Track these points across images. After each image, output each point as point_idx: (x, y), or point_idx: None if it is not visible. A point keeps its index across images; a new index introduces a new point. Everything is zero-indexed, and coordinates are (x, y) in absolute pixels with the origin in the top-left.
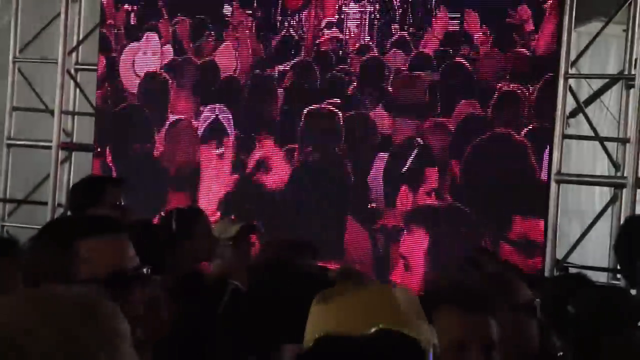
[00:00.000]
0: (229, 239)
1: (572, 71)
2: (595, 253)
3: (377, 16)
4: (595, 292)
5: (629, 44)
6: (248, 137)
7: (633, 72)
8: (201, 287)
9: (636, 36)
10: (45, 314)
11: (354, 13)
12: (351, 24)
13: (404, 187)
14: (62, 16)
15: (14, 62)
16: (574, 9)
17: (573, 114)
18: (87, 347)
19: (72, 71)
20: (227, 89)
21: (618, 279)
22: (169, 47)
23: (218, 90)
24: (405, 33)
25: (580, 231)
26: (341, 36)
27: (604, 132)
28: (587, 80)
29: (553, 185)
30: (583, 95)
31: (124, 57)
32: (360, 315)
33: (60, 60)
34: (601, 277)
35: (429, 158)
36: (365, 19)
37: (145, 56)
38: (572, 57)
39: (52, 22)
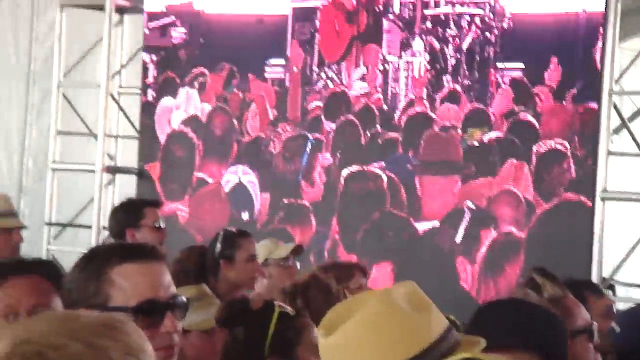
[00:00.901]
0: (277, 260)
1: (616, 88)
2: None
3: (427, 67)
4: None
5: None
6: (276, 204)
7: None
8: (247, 312)
9: None
10: (72, 330)
11: (399, 64)
12: (396, 76)
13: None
14: (105, 40)
15: (58, 87)
16: (617, 26)
17: (617, 131)
18: (113, 357)
19: (115, 95)
20: (252, 149)
21: None
22: (198, 104)
23: (244, 150)
24: (458, 86)
25: (626, 249)
26: (387, 90)
27: None
28: (630, 96)
29: (599, 203)
30: (627, 112)
31: (158, 112)
32: None
33: (103, 85)
34: None
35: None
36: (412, 70)
37: (178, 111)
38: (616, 74)
39: (95, 46)
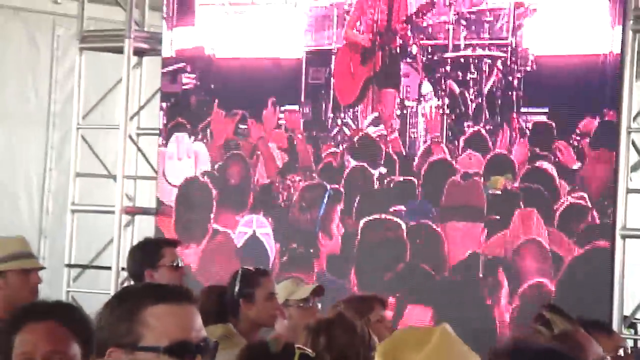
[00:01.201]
0: (298, 301)
1: (634, 125)
2: None
3: (447, 112)
4: None
5: None
6: (291, 257)
7: None
8: (267, 355)
9: None
10: None
11: (417, 108)
12: (414, 121)
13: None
14: (124, 83)
15: (77, 129)
16: (635, 63)
17: (635, 168)
18: None
19: (134, 136)
20: (266, 197)
21: None
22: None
23: (259, 199)
24: (480, 130)
25: None
26: (405, 135)
27: None
28: None
29: (619, 241)
30: None
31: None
32: None
33: (122, 126)
34: None
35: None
36: (431, 114)
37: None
38: (634, 111)
39: (114, 88)
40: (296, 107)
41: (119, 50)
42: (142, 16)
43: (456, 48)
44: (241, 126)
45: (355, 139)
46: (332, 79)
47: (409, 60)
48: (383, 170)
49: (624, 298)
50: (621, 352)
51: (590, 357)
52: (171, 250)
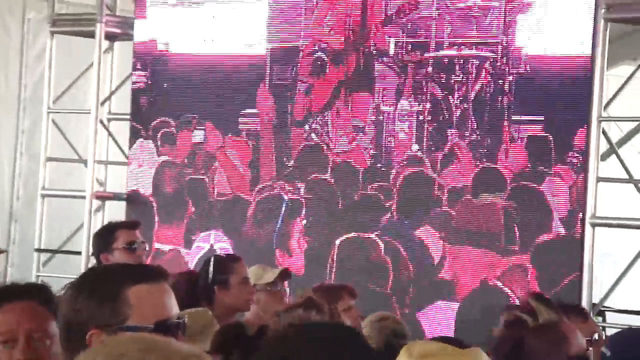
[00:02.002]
0: (265, 285)
1: (604, 114)
2: (630, 296)
3: (428, 118)
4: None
5: None
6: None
7: None
8: (242, 337)
9: None
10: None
11: (395, 114)
12: (391, 128)
13: None
14: (95, 67)
15: (47, 113)
16: (606, 54)
17: (605, 157)
18: None
19: (105, 121)
20: (228, 211)
21: None
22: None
23: (215, 213)
24: (465, 140)
25: (613, 275)
26: (380, 145)
27: (637, 175)
28: (617, 122)
29: (588, 229)
30: (614, 138)
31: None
32: None
33: (93, 111)
34: (638, 322)
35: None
36: (411, 121)
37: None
38: (604, 100)
39: (85, 73)
40: (257, 111)
41: (91, 35)
42: (114, 0)
43: (439, 47)
44: (197, 132)
45: (325, 147)
46: (299, 79)
47: (385, 60)
48: (354, 182)
49: (593, 286)
50: (595, 336)
51: (573, 349)
52: (126, 232)
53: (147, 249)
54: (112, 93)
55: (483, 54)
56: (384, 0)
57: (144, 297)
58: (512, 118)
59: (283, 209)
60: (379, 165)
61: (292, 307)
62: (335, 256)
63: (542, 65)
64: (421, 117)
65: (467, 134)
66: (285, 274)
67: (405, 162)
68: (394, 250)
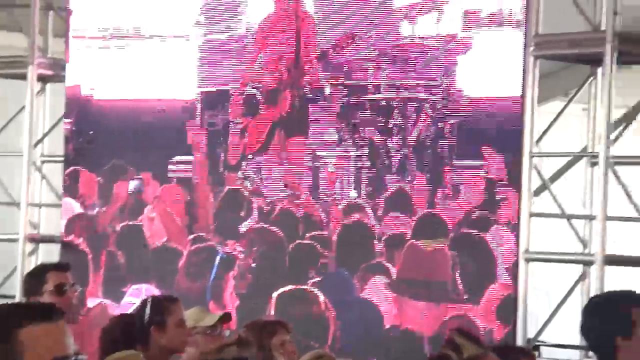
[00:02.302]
0: (205, 328)
1: (535, 150)
2: (565, 331)
3: (367, 164)
4: None
5: (590, 121)
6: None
7: (596, 150)
8: None
9: (597, 114)
10: None
11: (332, 160)
12: (327, 175)
13: None
14: (27, 109)
15: None
16: (536, 89)
17: (538, 192)
18: None
19: (39, 163)
20: (160, 262)
21: (590, 357)
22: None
23: (148, 264)
24: (406, 186)
25: (548, 309)
26: (316, 192)
27: (569, 210)
28: (550, 158)
29: (522, 264)
30: (547, 173)
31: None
32: None
33: (26, 153)
34: (573, 356)
35: None
36: (349, 167)
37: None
38: (535, 136)
39: (18, 115)
40: (189, 158)
41: (23, 77)
42: (46, 42)
43: (377, 89)
44: (124, 182)
45: (259, 194)
46: (230, 124)
47: (321, 103)
48: (290, 231)
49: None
50: None
51: None
52: (56, 275)
53: (78, 291)
54: (44, 135)
55: (423, 96)
56: (319, 37)
57: (38, 337)
58: (454, 163)
59: (217, 260)
60: (316, 213)
61: (222, 346)
62: (273, 310)
63: (483, 108)
64: (359, 163)
65: (407, 179)
66: (226, 318)
67: (343, 210)
68: (335, 303)
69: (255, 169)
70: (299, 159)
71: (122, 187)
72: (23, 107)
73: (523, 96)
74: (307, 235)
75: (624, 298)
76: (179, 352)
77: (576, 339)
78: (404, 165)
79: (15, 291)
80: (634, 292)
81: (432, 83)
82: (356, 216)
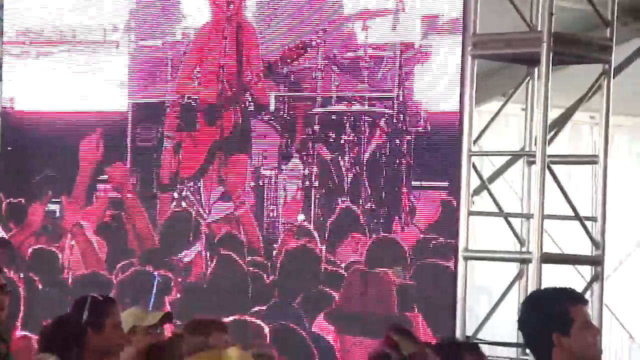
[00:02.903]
0: (146, 327)
1: (474, 149)
2: (503, 328)
3: (315, 184)
4: None
5: (528, 121)
6: None
7: (533, 149)
8: None
9: (535, 114)
10: None
11: (277, 178)
12: (273, 195)
13: None
14: None
15: None
16: (475, 89)
17: (477, 191)
18: None
19: None
20: (84, 292)
21: (527, 354)
22: None
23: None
24: (358, 208)
25: (488, 307)
26: (261, 215)
27: (507, 209)
28: (489, 157)
29: (461, 262)
30: (486, 173)
31: None
32: None
33: None
34: (511, 353)
35: None
36: (296, 187)
37: None
38: (474, 135)
39: None
40: (118, 176)
41: None
42: None
43: (326, 102)
44: (51, 206)
45: (197, 219)
46: (165, 140)
47: (266, 117)
48: (232, 257)
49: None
50: None
51: None
52: None
53: (9, 292)
54: None
55: (376, 109)
56: (262, 48)
57: None
58: (412, 184)
59: (155, 286)
60: (259, 238)
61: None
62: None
63: (444, 122)
64: (307, 183)
65: (360, 201)
66: (167, 318)
67: (289, 234)
68: (282, 337)
69: (192, 189)
70: (241, 178)
71: (37, 211)
72: None
73: (462, 96)
74: (250, 260)
75: (562, 295)
76: (113, 355)
77: (514, 336)
78: (357, 185)
79: None
80: (572, 289)
81: (387, 95)
82: (303, 241)
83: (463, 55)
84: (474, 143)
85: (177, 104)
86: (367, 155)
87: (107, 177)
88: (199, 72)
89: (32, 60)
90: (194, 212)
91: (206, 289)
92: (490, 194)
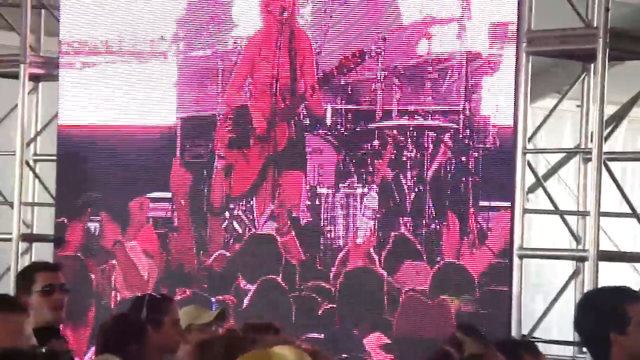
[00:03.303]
0: (201, 325)
1: (529, 146)
2: (559, 327)
3: (376, 204)
4: None
5: (584, 118)
6: None
7: (589, 146)
8: None
9: (591, 110)
10: None
11: (334, 197)
12: (330, 215)
13: None
14: (20, 108)
15: None
16: (529, 86)
17: (532, 189)
18: None
19: (31, 162)
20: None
21: (584, 353)
22: None
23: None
24: (421, 230)
25: (543, 305)
26: (317, 234)
27: (563, 206)
28: (544, 155)
29: (516, 260)
30: (541, 170)
31: None
32: None
33: (18, 152)
34: (567, 351)
35: None
36: (354, 207)
37: None
38: (529, 132)
39: (10, 113)
40: (168, 195)
41: (15, 76)
42: (38, 41)
43: (387, 115)
44: (91, 224)
45: (249, 239)
46: (216, 157)
47: (321, 131)
48: (286, 282)
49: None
50: None
51: None
52: (45, 275)
53: (68, 290)
54: (37, 134)
55: (441, 124)
56: (318, 57)
57: None
58: (480, 204)
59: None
60: (316, 260)
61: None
62: None
63: (513, 137)
64: (366, 202)
65: (423, 222)
66: (222, 316)
67: (348, 257)
68: None
69: (245, 210)
70: (296, 197)
71: (76, 229)
72: (15, 106)
73: (516, 93)
74: (306, 285)
75: (619, 293)
76: (173, 351)
77: (570, 335)
78: (420, 205)
79: (9, 290)
80: (629, 287)
81: (452, 108)
82: (363, 264)
83: (517, 52)
84: (528, 140)
85: (228, 117)
86: (430, 173)
87: (157, 195)
88: (250, 83)
89: (76, 71)
90: (246, 233)
91: (264, 314)
92: (546, 192)
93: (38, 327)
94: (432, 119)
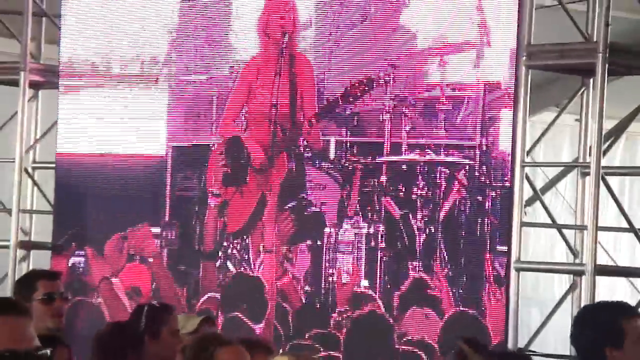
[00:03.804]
0: (188, 333)
1: (527, 160)
2: (556, 341)
3: (382, 245)
4: None
5: (582, 132)
6: None
7: (587, 160)
8: None
9: (589, 125)
10: None
11: (336, 238)
12: (332, 257)
13: None
14: (19, 116)
15: None
16: (528, 99)
17: (530, 202)
18: None
19: (30, 169)
20: None
21: None
22: None
23: None
24: (432, 275)
25: (540, 319)
26: (319, 278)
27: (560, 220)
28: (542, 168)
29: (513, 273)
30: (539, 184)
31: None
32: None
33: (17, 159)
34: None
35: None
36: (359, 248)
37: None
38: (527, 146)
39: (9, 121)
40: (158, 230)
41: (15, 83)
42: (38, 49)
43: (395, 149)
44: (76, 259)
45: (244, 280)
46: (209, 198)
47: (323, 165)
48: (284, 329)
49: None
50: None
51: None
52: (45, 283)
53: (68, 299)
54: (36, 141)
55: (455, 159)
56: (320, 84)
57: None
58: (497, 248)
59: None
60: (317, 305)
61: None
62: None
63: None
64: (372, 243)
65: (434, 267)
66: (207, 321)
67: (351, 303)
68: None
69: (240, 249)
70: (295, 235)
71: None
72: (15, 114)
73: (515, 106)
74: (308, 334)
75: (615, 309)
76: None
77: (567, 348)
78: (431, 248)
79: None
80: (625, 303)
81: (467, 143)
82: (368, 311)
83: (517, 66)
84: (527, 154)
85: (222, 148)
86: (443, 212)
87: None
88: (247, 111)
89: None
90: (242, 274)
91: None
92: (543, 205)
93: (40, 335)
94: (445, 154)
